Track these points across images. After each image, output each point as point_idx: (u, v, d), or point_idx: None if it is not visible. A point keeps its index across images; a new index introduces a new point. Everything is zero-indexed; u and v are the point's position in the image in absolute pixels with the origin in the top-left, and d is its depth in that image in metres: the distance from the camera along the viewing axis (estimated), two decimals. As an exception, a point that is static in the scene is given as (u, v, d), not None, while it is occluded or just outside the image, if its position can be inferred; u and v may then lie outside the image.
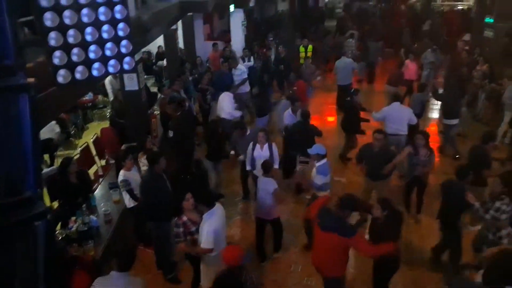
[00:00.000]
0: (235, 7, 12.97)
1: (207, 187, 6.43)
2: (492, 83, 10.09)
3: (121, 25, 3.41)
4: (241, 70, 10.88)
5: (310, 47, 13.34)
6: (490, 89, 10.16)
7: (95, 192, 6.70)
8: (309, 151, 6.02)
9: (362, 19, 19.14)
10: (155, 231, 5.71)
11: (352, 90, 8.65)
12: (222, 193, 6.98)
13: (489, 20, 12.77)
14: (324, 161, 5.92)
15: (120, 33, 3.43)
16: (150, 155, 5.84)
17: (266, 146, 6.66)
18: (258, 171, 6.37)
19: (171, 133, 7.98)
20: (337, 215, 4.46)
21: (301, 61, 12.88)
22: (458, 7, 21.85)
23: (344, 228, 4.38)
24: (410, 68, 11.39)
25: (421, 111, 9.06)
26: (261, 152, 6.64)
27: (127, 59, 3.55)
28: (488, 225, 4.97)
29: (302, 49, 13.24)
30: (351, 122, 8.48)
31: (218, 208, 4.78)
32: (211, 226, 4.56)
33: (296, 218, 6.91)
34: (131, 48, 3.54)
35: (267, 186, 5.79)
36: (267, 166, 5.91)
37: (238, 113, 8.95)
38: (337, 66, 11.63)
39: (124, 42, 3.48)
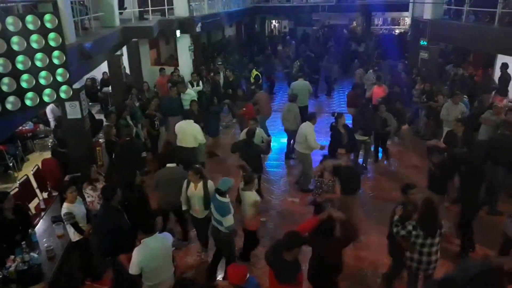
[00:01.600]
0: (181, 32, 13.02)
1: (148, 213, 6.24)
2: (430, 100, 10.73)
3: (56, 53, 3.32)
4: (190, 95, 10.86)
5: (253, 73, 13.68)
6: (428, 106, 10.79)
7: (36, 227, 6.32)
8: (218, 186, 5.65)
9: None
10: (114, 265, 5.47)
11: (336, 113, 8.69)
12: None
13: (423, 42, 13.67)
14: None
15: (55, 61, 3.34)
16: (104, 189, 5.61)
17: (200, 184, 6.08)
18: (194, 210, 6.21)
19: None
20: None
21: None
22: (396, 31, 23.30)
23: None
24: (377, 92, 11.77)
25: None
26: (194, 191, 6.09)
27: (63, 87, 3.46)
28: None
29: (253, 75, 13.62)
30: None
31: (154, 240, 4.62)
32: (137, 257, 4.50)
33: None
34: (67, 76, 3.45)
35: (248, 199, 5.87)
36: (248, 179, 5.94)
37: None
38: (294, 88, 11.61)
39: (60, 71, 3.39)
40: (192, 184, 6.12)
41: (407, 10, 16.90)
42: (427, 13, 12.72)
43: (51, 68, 3.26)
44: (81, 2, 8.53)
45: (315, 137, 8.16)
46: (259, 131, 8.12)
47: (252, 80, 13.64)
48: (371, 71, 12.90)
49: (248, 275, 3.73)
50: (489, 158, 7.30)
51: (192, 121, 8.58)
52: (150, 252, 4.59)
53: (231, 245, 5.85)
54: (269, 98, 11.74)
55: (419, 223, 4.73)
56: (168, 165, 6.71)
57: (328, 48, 18.96)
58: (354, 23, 24.32)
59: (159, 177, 6.65)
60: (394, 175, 9.29)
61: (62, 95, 3.36)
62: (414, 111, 11.67)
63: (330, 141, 8.19)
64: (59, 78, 3.32)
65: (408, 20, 20.33)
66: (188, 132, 8.47)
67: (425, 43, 13.40)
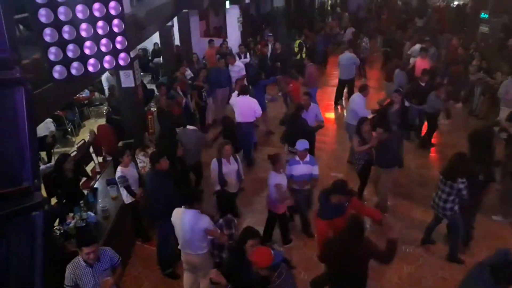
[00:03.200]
0: (231, 3, 12.98)
1: (188, 185, 6.43)
2: (488, 77, 10.15)
3: (115, 21, 3.46)
4: (238, 66, 10.91)
5: (296, 42, 13.44)
6: (485, 84, 10.22)
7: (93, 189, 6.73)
8: (297, 147, 6.10)
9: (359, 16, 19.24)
10: (157, 228, 5.76)
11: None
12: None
13: (484, 15, 12.83)
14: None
15: (115, 29, 3.48)
16: (151, 155, 5.89)
17: (232, 159, 6.30)
18: (230, 186, 6.29)
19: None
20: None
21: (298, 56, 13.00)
22: (455, 3, 21.93)
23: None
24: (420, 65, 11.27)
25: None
26: (229, 166, 6.25)
27: (122, 55, 3.60)
28: None
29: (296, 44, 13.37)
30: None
31: (184, 212, 4.78)
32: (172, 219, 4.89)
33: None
34: (126, 44, 3.58)
35: (275, 180, 5.82)
36: (273, 159, 5.86)
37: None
38: (340, 60, 11.67)
39: (119, 38, 3.52)
40: (224, 161, 6.18)
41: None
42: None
43: (111, 36, 3.39)
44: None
45: (364, 107, 8.06)
46: (312, 106, 7.97)
47: (296, 49, 13.42)
48: (418, 45, 12.26)
49: (272, 252, 3.72)
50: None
51: (247, 96, 8.43)
52: (180, 221, 4.79)
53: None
54: (318, 70, 11.51)
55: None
56: (188, 126, 7.26)
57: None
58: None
59: (180, 136, 7.12)
60: (440, 153, 9.02)
61: (121, 62, 3.50)
62: (469, 88, 11.06)
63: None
64: (118, 46, 3.46)
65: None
66: (247, 106, 8.32)
67: (486, 16, 12.56)
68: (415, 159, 8.81)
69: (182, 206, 4.85)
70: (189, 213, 4.73)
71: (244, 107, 8.28)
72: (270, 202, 6.07)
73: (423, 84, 8.99)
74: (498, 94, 8.98)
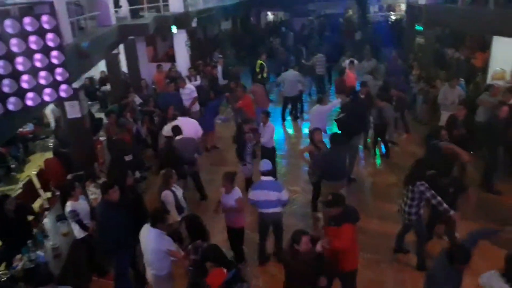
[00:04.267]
0: (177, 28, 13.01)
1: (143, 214, 6.28)
2: (428, 85, 10.74)
3: (54, 53, 3.37)
4: (190, 89, 10.91)
5: (258, 63, 13.61)
6: (426, 93, 10.80)
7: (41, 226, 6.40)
8: (260, 167, 6.08)
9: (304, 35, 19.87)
10: (114, 262, 5.54)
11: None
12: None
13: (419, 27, 13.63)
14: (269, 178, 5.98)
15: (54, 61, 3.39)
16: (101, 185, 5.72)
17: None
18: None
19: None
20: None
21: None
22: (391, 17, 23.22)
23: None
24: (350, 76, 11.86)
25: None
26: (178, 192, 6.16)
27: (63, 86, 3.51)
28: None
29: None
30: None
31: (149, 231, 4.83)
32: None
33: (253, 232, 6.91)
34: (67, 75, 3.50)
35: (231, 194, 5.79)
36: (228, 175, 5.85)
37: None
38: (284, 78, 11.95)
39: (59, 70, 3.44)
40: (173, 189, 6.08)
41: (402, -4, 16.82)
42: (423, -2, 12.71)
43: (50, 68, 3.30)
44: (76, 2, 8.54)
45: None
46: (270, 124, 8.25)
47: (257, 69, 13.57)
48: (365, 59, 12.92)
49: (225, 271, 3.93)
50: (489, 139, 7.34)
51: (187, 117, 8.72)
52: (144, 239, 4.87)
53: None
54: (264, 90, 11.74)
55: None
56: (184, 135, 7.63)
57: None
58: (350, 12, 24.19)
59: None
60: (391, 161, 9.37)
61: (62, 94, 3.41)
62: (411, 97, 11.68)
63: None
64: (58, 78, 3.36)
65: (403, 6, 20.21)
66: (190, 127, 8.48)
67: (421, 28, 13.38)
68: (367, 168, 9.14)
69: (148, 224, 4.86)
70: (152, 232, 4.77)
71: (188, 128, 8.33)
72: (228, 216, 5.99)
73: (362, 96, 9.30)
74: (438, 100, 9.49)
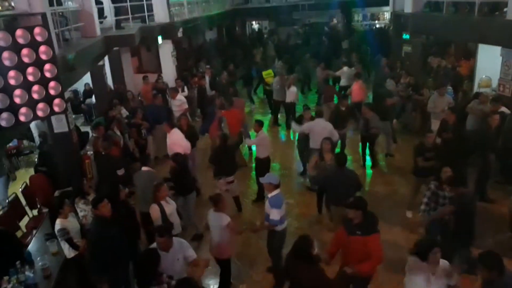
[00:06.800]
0: (163, 38, 12.88)
1: (136, 229, 6.07)
2: (416, 94, 10.82)
3: (47, 66, 3.22)
4: (180, 100, 10.76)
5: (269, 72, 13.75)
6: (414, 101, 10.87)
7: (30, 245, 6.14)
8: (261, 179, 5.68)
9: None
10: (106, 282, 5.31)
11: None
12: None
13: (406, 36, 13.80)
14: (277, 192, 5.45)
15: (47, 75, 3.24)
16: (91, 201, 5.47)
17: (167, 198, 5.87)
18: (176, 227, 5.70)
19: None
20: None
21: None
22: (376, 26, 23.58)
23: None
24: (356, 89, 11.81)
25: None
26: (169, 206, 5.80)
27: (56, 101, 3.35)
28: None
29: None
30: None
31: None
32: None
33: (248, 248, 6.76)
34: (60, 89, 3.35)
35: (218, 221, 5.36)
36: (215, 199, 5.43)
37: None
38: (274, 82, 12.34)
39: (52, 84, 3.28)
40: (163, 203, 5.74)
41: (387, 5, 17.01)
42: (408, 7, 12.88)
43: (43, 82, 3.15)
44: (61, 13, 8.35)
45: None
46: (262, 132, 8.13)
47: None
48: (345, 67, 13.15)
49: None
50: (481, 148, 7.38)
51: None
52: None
53: None
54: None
55: None
56: (143, 168, 6.77)
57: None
58: (335, 20, 24.47)
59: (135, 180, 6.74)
60: (381, 169, 9.40)
61: (56, 109, 3.25)
62: (400, 105, 11.72)
63: None
64: (51, 92, 3.20)
65: (387, 15, 20.51)
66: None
67: (408, 37, 13.55)
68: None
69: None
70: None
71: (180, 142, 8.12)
72: (216, 247, 5.53)
73: (343, 109, 9.32)
74: (428, 109, 9.55)
